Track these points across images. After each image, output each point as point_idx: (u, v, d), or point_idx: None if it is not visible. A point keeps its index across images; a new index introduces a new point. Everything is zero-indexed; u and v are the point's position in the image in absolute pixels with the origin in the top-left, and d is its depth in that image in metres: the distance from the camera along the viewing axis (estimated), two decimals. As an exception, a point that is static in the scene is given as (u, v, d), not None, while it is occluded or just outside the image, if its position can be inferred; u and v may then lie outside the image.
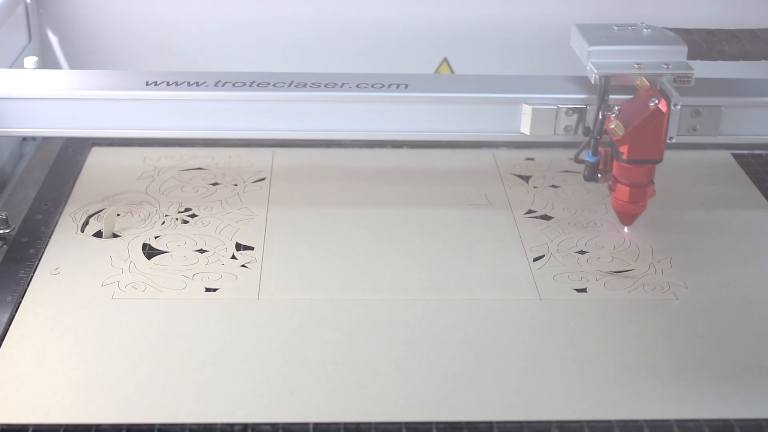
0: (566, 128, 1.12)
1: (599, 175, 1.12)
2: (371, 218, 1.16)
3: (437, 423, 0.86)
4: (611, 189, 1.12)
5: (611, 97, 1.09)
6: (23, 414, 0.85)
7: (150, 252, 1.09)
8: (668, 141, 1.09)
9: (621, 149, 1.08)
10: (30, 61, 1.18)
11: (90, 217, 1.14)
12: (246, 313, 0.99)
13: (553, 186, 1.25)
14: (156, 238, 1.11)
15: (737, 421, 0.87)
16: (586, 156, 1.11)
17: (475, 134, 1.15)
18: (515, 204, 1.20)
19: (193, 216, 1.16)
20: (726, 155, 1.34)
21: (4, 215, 1.11)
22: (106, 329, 0.96)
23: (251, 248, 1.10)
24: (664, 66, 1.10)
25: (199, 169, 1.26)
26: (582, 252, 1.11)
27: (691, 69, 1.10)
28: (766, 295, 1.04)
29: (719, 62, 1.16)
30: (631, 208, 1.12)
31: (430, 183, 1.25)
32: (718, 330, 0.98)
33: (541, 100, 1.12)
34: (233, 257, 1.08)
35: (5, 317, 0.97)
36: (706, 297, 1.04)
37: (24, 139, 1.37)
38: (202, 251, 1.09)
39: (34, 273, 1.04)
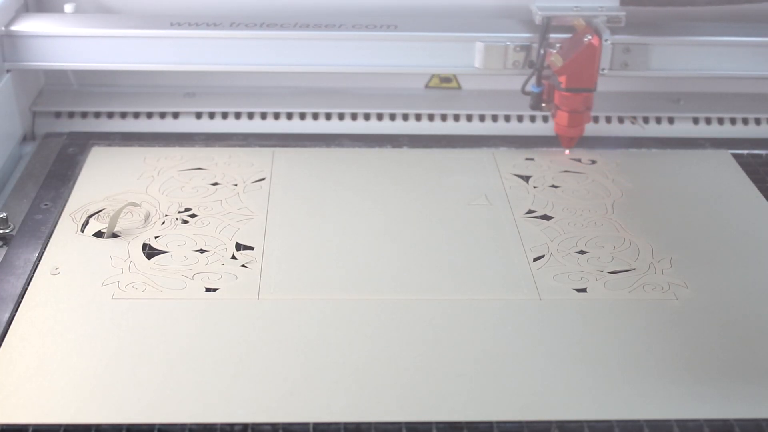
0: (515, 63, 1.33)
1: (543, 105, 1.32)
2: (371, 218, 1.16)
3: (437, 423, 0.86)
4: (553, 116, 1.32)
5: (555, 36, 1.30)
6: (23, 414, 0.85)
7: (150, 252, 1.09)
8: (601, 72, 1.29)
9: (560, 79, 1.28)
10: (69, 6, 1.40)
11: (90, 217, 1.14)
12: (246, 313, 0.99)
13: (553, 186, 1.25)
14: (156, 238, 1.11)
15: (737, 421, 0.87)
16: (532, 87, 1.31)
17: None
18: (515, 204, 1.20)
19: (193, 216, 1.16)
20: (726, 155, 1.34)
21: (4, 215, 1.11)
22: (106, 329, 0.96)
23: (251, 248, 1.10)
24: (599, 9, 1.31)
25: (199, 169, 1.26)
26: (582, 252, 1.11)
27: (622, 12, 1.31)
28: (766, 295, 1.04)
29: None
30: (571, 132, 1.31)
31: (430, 183, 1.25)
32: (718, 330, 0.98)
33: (493, 39, 1.32)
34: (233, 257, 1.08)
35: (5, 317, 0.97)
36: (706, 297, 1.03)
37: (24, 138, 1.37)
38: (202, 251, 1.09)
39: (34, 273, 1.04)
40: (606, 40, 1.28)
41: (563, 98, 1.29)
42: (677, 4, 1.41)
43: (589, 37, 1.27)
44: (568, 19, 1.31)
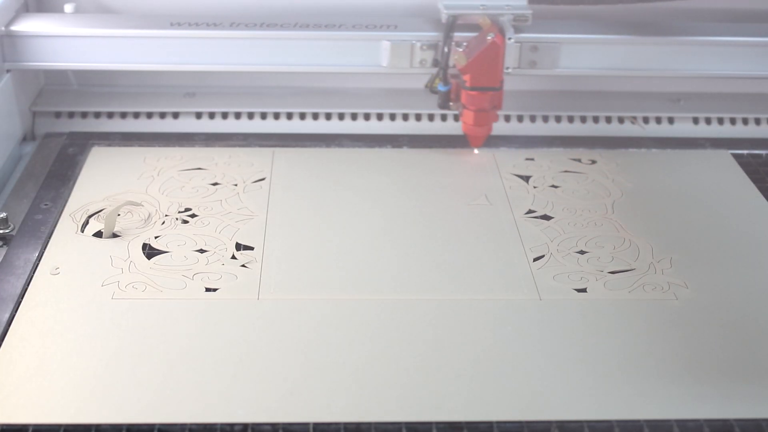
0: (421, 62, 1.32)
1: (451, 103, 1.31)
2: (371, 218, 1.16)
3: (437, 423, 0.86)
4: (460, 115, 1.31)
5: (462, 34, 1.30)
6: (23, 414, 0.85)
7: (150, 252, 1.09)
8: (506, 71, 1.29)
9: (465, 78, 1.28)
10: (69, 6, 1.40)
11: (90, 217, 1.14)
12: (246, 313, 0.99)
13: (553, 186, 1.25)
14: (156, 238, 1.11)
15: (737, 421, 0.87)
16: (439, 86, 1.30)
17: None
18: (515, 204, 1.20)
19: (193, 216, 1.16)
20: (726, 155, 1.34)
21: (4, 215, 1.11)
22: (106, 329, 0.96)
23: (251, 248, 1.10)
24: (506, 7, 1.31)
25: (199, 169, 1.26)
26: (582, 252, 1.11)
27: (529, 10, 1.31)
28: (766, 295, 1.04)
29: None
30: (477, 131, 1.31)
31: (430, 183, 1.25)
32: (718, 330, 0.98)
33: (399, 37, 1.32)
34: (233, 257, 1.08)
35: (5, 317, 0.97)
36: (706, 297, 1.03)
37: (24, 138, 1.37)
38: (202, 251, 1.09)
39: (34, 273, 1.04)
40: (510, 38, 1.28)
41: (469, 97, 1.29)
42: (588, 2, 1.40)
43: (493, 36, 1.26)
44: (474, 18, 1.30)
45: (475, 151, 1.32)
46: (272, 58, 1.34)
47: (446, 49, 1.28)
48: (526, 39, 1.32)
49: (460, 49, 1.29)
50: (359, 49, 1.33)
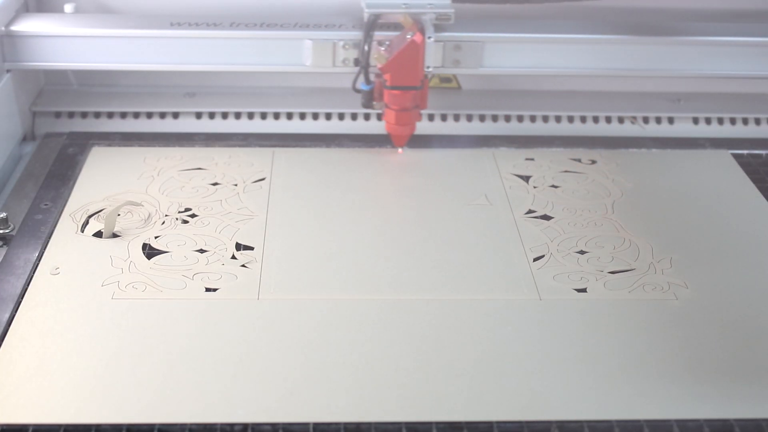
0: (344, 61, 1.32)
1: (374, 103, 1.30)
2: (371, 218, 1.16)
3: (437, 423, 0.86)
4: (383, 114, 1.30)
5: (387, 33, 1.29)
6: (23, 414, 0.85)
7: (150, 252, 1.09)
8: (426, 70, 1.28)
9: (385, 77, 1.27)
10: (69, 6, 1.40)
11: (90, 217, 1.14)
12: (246, 313, 0.99)
13: (553, 186, 1.25)
14: (156, 238, 1.11)
15: (737, 421, 0.87)
16: (361, 85, 1.29)
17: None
18: (515, 204, 1.20)
19: (193, 216, 1.16)
20: (726, 155, 1.34)
21: (4, 215, 1.11)
22: (106, 329, 0.96)
23: (251, 248, 1.10)
24: (428, 6, 1.29)
25: (199, 169, 1.26)
26: (582, 252, 1.11)
27: (451, 9, 1.30)
28: (766, 295, 1.04)
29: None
30: (400, 130, 1.30)
31: (430, 183, 1.25)
32: (718, 330, 0.98)
33: (321, 36, 1.31)
34: (233, 257, 1.08)
35: (5, 317, 0.97)
36: (706, 297, 1.03)
37: (24, 138, 1.37)
38: (202, 251, 1.09)
39: (34, 273, 1.04)
40: (429, 37, 1.27)
41: (390, 96, 1.28)
42: (513, 1, 1.40)
43: (412, 35, 1.26)
44: (395, 17, 1.29)
45: (399, 150, 1.32)
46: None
47: (366, 48, 1.28)
48: (448, 38, 1.31)
49: (383, 48, 1.29)
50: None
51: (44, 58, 1.33)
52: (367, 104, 1.31)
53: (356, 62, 1.31)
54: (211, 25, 1.34)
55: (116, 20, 1.36)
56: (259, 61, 1.34)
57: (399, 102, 1.28)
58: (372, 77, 1.30)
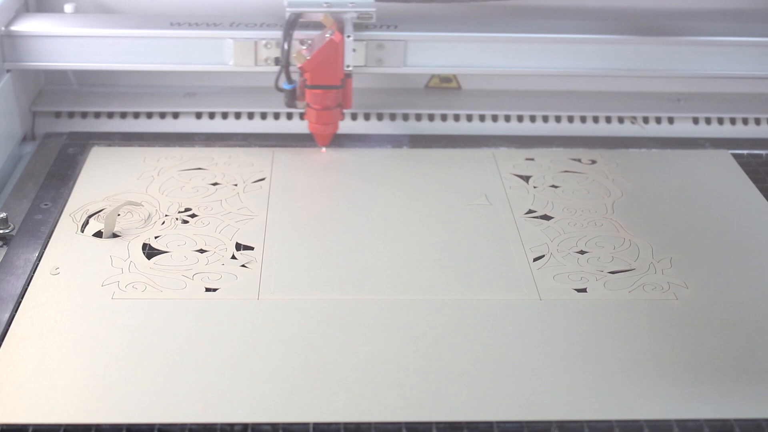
0: (266, 60, 1.31)
1: (297, 102, 1.30)
2: (371, 218, 1.16)
3: (437, 423, 0.86)
4: (305, 114, 1.30)
5: (309, 32, 1.29)
6: (23, 414, 0.85)
7: (150, 252, 1.09)
8: (346, 69, 1.28)
9: (305, 76, 1.27)
10: (69, 6, 1.40)
11: (90, 217, 1.14)
12: (246, 313, 0.99)
13: (553, 186, 1.25)
14: (156, 238, 1.11)
15: (737, 421, 0.87)
16: (283, 84, 1.29)
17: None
18: (515, 204, 1.20)
19: (193, 216, 1.16)
20: (726, 155, 1.34)
21: (4, 215, 1.11)
22: (106, 329, 0.96)
23: (251, 248, 1.10)
24: (349, 4, 1.29)
25: (199, 169, 1.26)
26: (582, 252, 1.11)
27: (373, 7, 1.29)
28: (766, 295, 1.04)
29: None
30: (322, 129, 1.30)
31: (431, 183, 1.25)
32: (718, 330, 0.98)
33: (242, 35, 1.31)
34: (233, 257, 1.08)
35: (5, 317, 0.97)
36: (706, 297, 1.03)
37: (24, 138, 1.37)
38: (202, 251, 1.09)
39: (34, 273, 1.04)
40: (348, 36, 1.27)
41: (311, 95, 1.28)
42: (439, 0, 1.39)
43: (330, 34, 1.26)
44: (316, 15, 1.29)
45: (323, 149, 1.31)
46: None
47: (286, 47, 1.27)
48: (369, 36, 1.31)
49: (304, 47, 1.29)
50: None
51: (44, 58, 1.33)
52: (290, 103, 1.31)
53: (277, 61, 1.30)
54: (211, 25, 1.34)
55: (116, 20, 1.36)
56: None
57: (320, 101, 1.28)
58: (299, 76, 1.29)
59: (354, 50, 1.29)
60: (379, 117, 1.43)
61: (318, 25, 1.29)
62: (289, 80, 1.28)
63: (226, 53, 1.32)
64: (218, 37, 1.32)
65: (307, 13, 1.29)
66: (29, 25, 1.33)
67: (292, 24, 1.28)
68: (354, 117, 1.43)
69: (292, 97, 1.30)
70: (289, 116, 1.43)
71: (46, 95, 1.44)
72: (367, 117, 1.43)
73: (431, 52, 1.34)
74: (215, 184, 1.23)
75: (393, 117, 1.44)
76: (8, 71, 1.32)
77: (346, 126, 1.42)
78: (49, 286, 1.02)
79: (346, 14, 1.29)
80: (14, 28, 1.32)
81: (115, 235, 1.11)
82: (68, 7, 1.41)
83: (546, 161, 1.31)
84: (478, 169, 1.29)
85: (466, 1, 1.40)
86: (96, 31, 1.32)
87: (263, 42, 1.31)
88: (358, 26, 1.31)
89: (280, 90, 1.30)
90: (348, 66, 1.29)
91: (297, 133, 1.39)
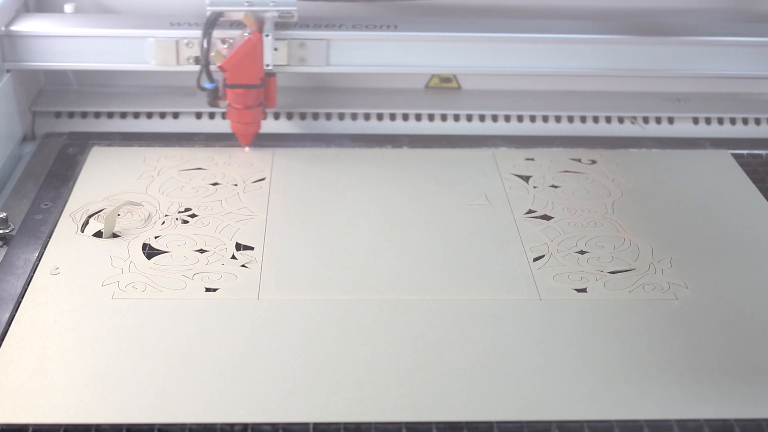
0: (188, 59, 1.31)
1: (219, 101, 1.29)
2: (371, 218, 1.16)
3: (437, 423, 0.86)
4: (227, 113, 1.30)
5: (231, 31, 1.29)
6: (23, 414, 0.85)
7: (150, 252, 1.09)
8: (266, 68, 1.28)
9: (225, 75, 1.27)
10: (69, 6, 1.40)
11: (90, 217, 1.14)
12: (246, 313, 0.99)
13: (553, 186, 1.25)
14: (156, 238, 1.11)
15: (737, 421, 0.87)
16: (205, 84, 1.28)
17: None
18: (515, 204, 1.20)
19: (193, 216, 1.16)
20: (726, 155, 1.34)
21: (4, 215, 1.11)
22: (106, 329, 0.96)
23: (251, 248, 1.10)
24: (271, 3, 1.28)
25: (199, 169, 1.26)
26: (582, 252, 1.11)
27: (294, 6, 1.29)
28: (766, 295, 1.04)
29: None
30: (243, 129, 1.30)
31: (431, 183, 1.25)
32: (718, 330, 0.98)
33: (163, 34, 1.31)
34: (233, 257, 1.08)
35: (5, 317, 0.97)
36: (706, 297, 1.04)
37: (24, 138, 1.37)
38: (202, 251, 1.09)
39: (34, 273, 1.04)
40: (267, 35, 1.27)
41: (232, 94, 1.28)
42: None
43: (249, 33, 1.26)
44: (237, 15, 1.28)
45: (246, 149, 1.31)
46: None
47: (206, 46, 1.26)
48: (292, 36, 1.31)
49: (225, 46, 1.28)
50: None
51: (44, 59, 1.33)
52: (213, 103, 1.30)
53: (197, 60, 1.30)
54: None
55: (116, 20, 1.36)
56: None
57: (240, 100, 1.28)
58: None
59: (276, 49, 1.29)
60: (379, 117, 1.43)
61: (243, 25, 1.29)
62: (211, 79, 1.28)
63: (147, 52, 1.32)
64: (140, 36, 1.31)
65: (228, 12, 1.29)
66: (29, 25, 1.33)
67: (212, 23, 1.27)
68: (354, 117, 1.43)
69: (214, 97, 1.29)
70: (289, 116, 1.43)
71: (46, 95, 1.44)
72: (367, 117, 1.43)
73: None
74: (215, 184, 1.23)
75: (393, 117, 1.44)
76: (8, 71, 1.32)
77: (346, 126, 1.42)
78: (49, 286, 1.02)
79: (267, 13, 1.29)
80: (14, 28, 1.32)
81: (115, 235, 1.11)
82: (68, 7, 1.41)
83: (546, 161, 1.31)
84: (478, 169, 1.29)
85: (392, 1, 1.40)
86: (96, 31, 1.32)
87: (185, 41, 1.30)
88: (282, 26, 1.30)
89: (202, 89, 1.29)
90: (267, 65, 1.28)
91: (297, 133, 1.39)
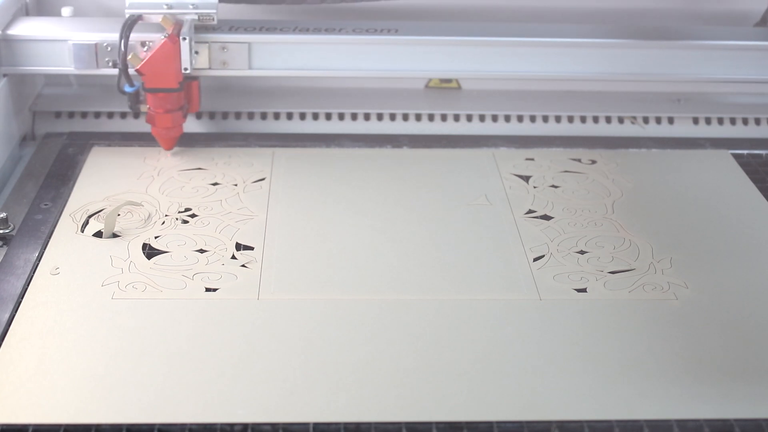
0: (108, 62, 1.29)
1: (140, 105, 1.28)
2: (371, 218, 1.16)
3: (437, 423, 0.86)
4: (147, 117, 1.28)
5: (151, 34, 1.26)
6: (23, 414, 0.85)
7: (150, 252, 1.09)
8: (184, 71, 1.26)
9: (143, 79, 1.25)
10: (67, 10, 1.39)
11: (90, 217, 1.14)
12: (246, 313, 0.99)
13: (553, 186, 1.25)
14: (156, 238, 1.11)
15: (737, 421, 0.87)
16: (125, 87, 1.26)
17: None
18: (515, 204, 1.20)
19: (193, 216, 1.16)
20: (726, 155, 1.34)
21: (4, 215, 1.11)
22: (106, 329, 0.96)
23: (251, 248, 1.10)
24: (191, 6, 1.27)
25: (199, 169, 1.26)
26: (582, 252, 1.11)
27: (214, 9, 1.28)
28: (766, 295, 1.04)
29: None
30: (164, 133, 1.28)
31: (431, 183, 1.25)
32: (718, 330, 0.98)
33: (83, 38, 1.29)
34: (233, 257, 1.08)
35: (5, 317, 0.97)
36: (706, 297, 1.04)
37: (24, 139, 1.37)
38: (202, 251, 1.09)
39: (34, 273, 1.04)
40: (183, 38, 1.24)
41: (151, 98, 1.26)
42: (289, 2, 1.38)
43: (165, 35, 1.24)
44: (155, 17, 1.26)
45: (168, 154, 1.29)
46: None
47: (123, 49, 1.24)
48: (212, 39, 1.30)
49: (145, 49, 1.26)
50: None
51: (41, 63, 1.32)
52: (134, 107, 1.29)
53: (114, 64, 1.28)
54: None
55: (114, 23, 1.35)
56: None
57: (159, 104, 1.26)
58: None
59: (197, 53, 1.29)
60: (379, 117, 1.43)
61: (163, 28, 1.27)
62: (130, 83, 1.26)
63: (66, 56, 1.30)
64: (59, 39, 1.30)
65: (147, 14, 1.27)
66: (25, 29, 1.32)
67: (130, 26, 1.25)
68: (354, 117, 1.43)
69: (135, 101, 1.28)
70: (289, 116, 1.43)
71: (46, 95, 1.44)
72: (367, 117, 1.43)
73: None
74: (215, 184, 1.23)
75: (393, 117, 1.44)
76: (5, 75, 1.32)
77: (346, 126, 1.42)
78: (49, 286, 1.02)
79: (187, 16, 1.27)
80: (11, 32, 1.31)
81: (115, 235, 1.11)
82: (66, 11, 1.40)
83: (546, 161, 1.31)
84: (478, 169, 1.29)
85: (315, 3, 1.39)
86: (95, 36, 1.31)
87: (104, 44, 1.28)
88: (204, 29, 1.29)
89: (123, 93, 1.28)
90: (185, 69, 1.26)
91: (297, 133, 1.39)
